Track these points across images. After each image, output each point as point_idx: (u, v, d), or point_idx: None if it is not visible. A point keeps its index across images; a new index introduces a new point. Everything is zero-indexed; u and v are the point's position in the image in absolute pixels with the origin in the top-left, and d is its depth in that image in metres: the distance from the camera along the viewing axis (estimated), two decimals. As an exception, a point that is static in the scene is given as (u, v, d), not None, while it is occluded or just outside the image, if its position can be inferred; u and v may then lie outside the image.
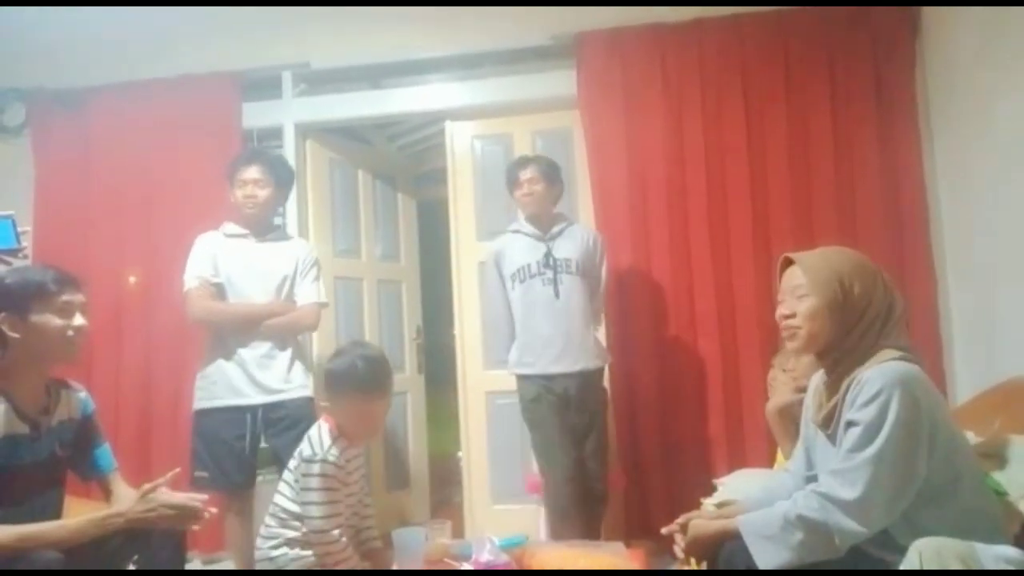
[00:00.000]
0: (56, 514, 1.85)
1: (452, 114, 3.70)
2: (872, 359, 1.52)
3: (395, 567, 2.07)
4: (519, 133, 3.65)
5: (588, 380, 2.89)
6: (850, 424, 1.49)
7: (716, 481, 2.44)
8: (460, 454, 3.72)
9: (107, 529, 1.72)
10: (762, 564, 1.48)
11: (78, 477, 1.98)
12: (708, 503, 2.22)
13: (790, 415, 2.24)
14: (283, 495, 2.00)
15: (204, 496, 1.90)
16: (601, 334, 3.15)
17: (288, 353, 2.80)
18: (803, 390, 2.16)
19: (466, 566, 2.05)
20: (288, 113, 3.70)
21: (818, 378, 1.71)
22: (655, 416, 3.24)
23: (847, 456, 1.47)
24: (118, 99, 3.64)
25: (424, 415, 4.28)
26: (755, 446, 3.03)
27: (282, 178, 2.90)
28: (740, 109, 3.24)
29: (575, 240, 2.96)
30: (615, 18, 3.36)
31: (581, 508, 2.82)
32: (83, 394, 1.98)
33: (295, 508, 1.97)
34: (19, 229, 2.01)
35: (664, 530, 1.76)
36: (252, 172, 2.82)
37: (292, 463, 2.01)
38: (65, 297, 1.81)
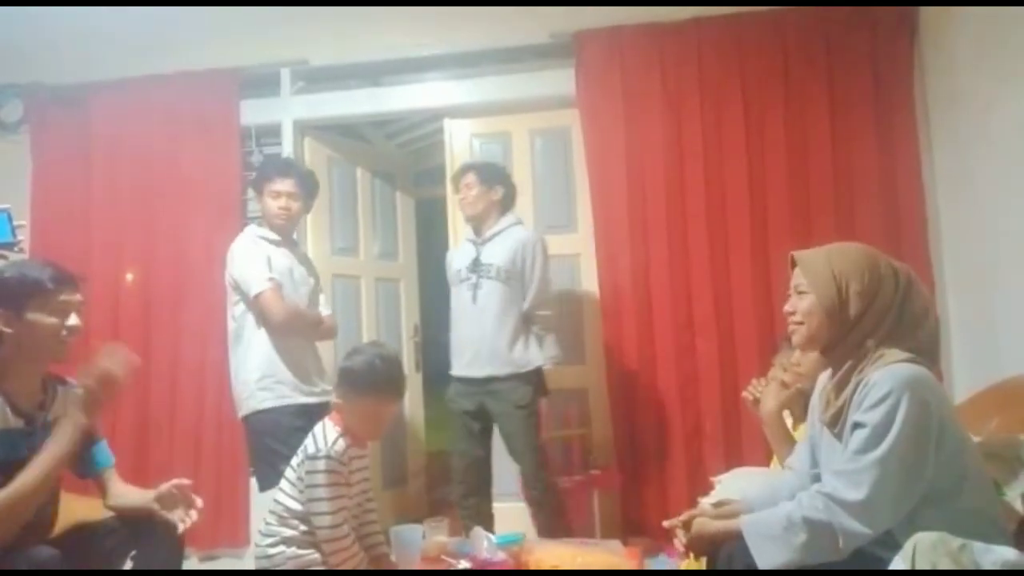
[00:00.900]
0: (51, 509, 1.85)
1: (451, 112, 3.70)
2: (880, 360, 1.51)
3: (393, 565, 2.07)
4: (518, 132, 3.65)
5: (498, 386, 2.87)
6: (857, 425, 1.48)
7: (713, 479, 2.44)
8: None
9: (71, 438, 1.73)
10: (763, 565, 1.47)
11: (74, 473, 1.97)
12: (705, 502, 2.22)
13: (781, 416, 2.24)
14: (285, 493, 1.99)
15: (187, 481, 1.88)
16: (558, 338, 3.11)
17: (320, 357, 2.87)
18: (788, 387, 2.17)
19: (463, 564, 2.05)
20: (287, 110, 3.70)
21: (825, 377, 1.71)
22: (652, 415, 3.24)
23: (853, 457, 1.46)
24: (116, 95, 3.64)
25: (422, 413, 4.28)
26: (752, 445, 3.03)
27: (311, 191, 2.93)
28: (739, 108, 3.24)
29: (506, 244, 2.94)
30: (614, 17, 3.36)
31: (479, 503, 2.98)
32: (80, 390, 1.97)
33: (297, 506, 1.96)
34: (15, 223, 2.00)
35: (666, 523, 1.75)
36: (287, 185, 2.81)
37: (295, 461, 2.01)
38: (62, 296, 1.81)
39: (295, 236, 2.98)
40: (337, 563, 1.91)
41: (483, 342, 2.89)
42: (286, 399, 2.68)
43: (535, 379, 2.93)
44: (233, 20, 3.50)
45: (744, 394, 2.30)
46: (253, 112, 3.67)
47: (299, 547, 1.95)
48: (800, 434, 2.19)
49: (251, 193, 3.63)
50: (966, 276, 2.97)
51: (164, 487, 1.87)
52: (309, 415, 2.61)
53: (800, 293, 1.62)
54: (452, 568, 2.07)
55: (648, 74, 3.31)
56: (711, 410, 3.19)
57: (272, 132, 3.72)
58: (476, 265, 2.95)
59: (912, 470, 1.43)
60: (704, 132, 3.26)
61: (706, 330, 3.21)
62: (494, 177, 3.03)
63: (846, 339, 1.56)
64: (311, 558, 1.94)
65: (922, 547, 1.33)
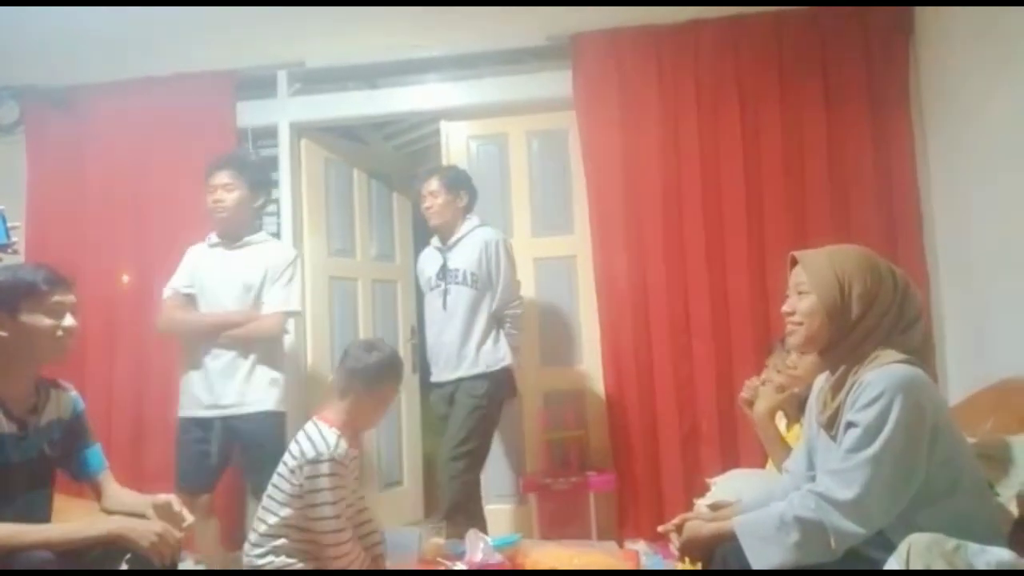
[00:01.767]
0: (45, 514, 1.84)
1: (448, 114, 3.70)
2: (875, 361, 1.51)
3: (389, 566, 2.07)
4: (514, 133, 3.66)
5: (466, 382, 2.90)
6: (850, 425, 1.49)
7: (709, 481, 2.44)
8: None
9: (96, 533, 1.70)
10: (757, 565, 1.48)
11: (69, 476, 1.97)
12: (701, 504, 2.22)
13: (773, 418, 2.24)
14: (277, 501, 1.96)
15: (190, 518, 1.83)
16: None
17: (248, 364, 2.73)
18: (783, 390, 2.17)
19: (460, 565, 2.05)
20: (283, 112, 3.70)
21: (823, 379, 1.72)
22: (649, 417, 3.24)
23: (845, 456, 1.47)
24: (112, 97, 3.64)
25: (418, 415, 4.27)
26: (748, 447, 3.03)
27: (256, 180, 2.86)
28: (735, 110, 3.25)
29: (470, 248, 2.96)
30: (611, 19, 3.36)
31: (469, 511, 2.85)
32: (73, 393, 1.97)
33: (290, 514, 1.94)
34: (9, 224, 1.99)
35: (660, 528, 1.76)
36: (220, 177, 2.81)
37: (285, 469, 1.98)
38: (56, 297, 1.80)
39: (263, 233, 2.93)
40: (341, 565, 1.90)
41: (453, 347, 2.92)
42: (185, 411, 2.77)
43: (499, 377, 2.93)
44: (229, 21, 3.49)
45: (741, 395, 2.30)
46: (250, 114, 3.67)
47: (288, 556, 1.93)
48: (793, 436, 2.19)
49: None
50: (961, 276, 2.97)
51: (161, 497, 1.86)
52: (204, 427, 2.69)
53: (801, 293, 1.61)
54: (448, 569, 2.07)
55: (645, 76, 3.32)
56: (707, 412, 3.19)
57: (269, 134, 3.72)
58: (444, 272, 2.97)
59: (905, 470, 1.44)
60: (701, 133, 3.26)
61: (702, 332, 3.21)
62: (459, 183, 3.03)
63: (845, 341, 1.56)
64: (300, 566, 1.93)
65: (917, 548, 1.33)
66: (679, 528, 1.68)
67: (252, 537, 1.98)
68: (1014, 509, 1.63)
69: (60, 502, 1.93)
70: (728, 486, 2.26)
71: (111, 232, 3.58)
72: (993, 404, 2.19)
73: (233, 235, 2.85)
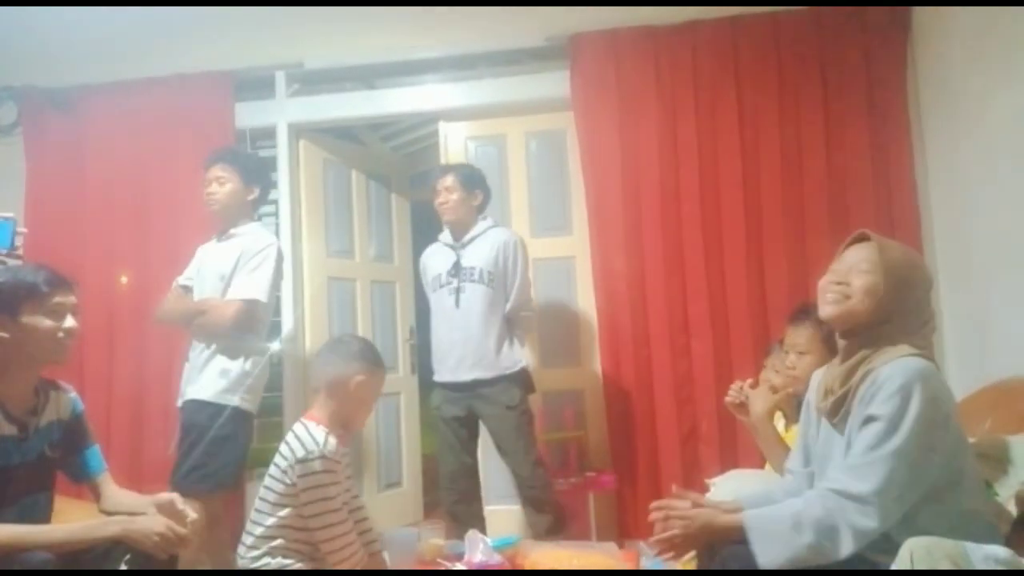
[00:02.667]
0: (46, 515, 1.84)
1: (446, 115, 3.70)
2: (890, 352, 1.51)
3: (388, 567, 2.06)
4: (513, 134, 3.66)
5: (484, 389, 2.87)
6: (869, 419, 1.47)
7: (708, 482, 2.44)
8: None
9: (99, 536, 1.70)
10: (764, 563, 1.45)
11: (68, 478, 1.97)
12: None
13: (770, 420, 2.23)
14: (270, 503, 1.94)
15: (192, 515, 1.82)
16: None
17: (208, 354, 2.69)
18: (777, 390, 2.17)
19: (459, 566, 2.05)
20: (282, 113, 3.70)
21: (820, 373, 1.72)
22: (648, 417, 3.24)
23: (865, 452, 1.45)
24: (111, 98, 3.63)
25: (417, 416, 4.27)
26: (747, 447, 3.03)
27: (250, 172, 2.84)
28: (733, 110, 3.25)
29: (486, 246, 2.93)
30: (609, 19, 3.36)
31: (470, 510, 2.95)
32: (72, 395, 1.96)
33: (285, 514, 1.92)
34: (19, 230, 2.00)
35: (655, 509, 1.66)
36: (214, 171, 2.81)
37: (276, 471, 1.95)
38: (57, 299, 1.80)
39: (249, 221, 2.88)
40: (339, 561, 1.89)
41: (468, 345, 2.88)
42: (179, 398, 2.76)
43: (522, 379, 2.92)
44: (228, 22, 3.50)
45: (727, 399, 2.28)
46: (248, 115, 3.67)
47: (285, 556, 1.92)
48: (792, 437, 2.19)
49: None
50: (960, 275, 2.98)
51: (163, 496, 1.86)
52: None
53: (862, 271, 1.57)
54: (448, 570, 2.07)
55: (643, 76, 3.32)
56: (706, 412, 3.19)
57: (267, 135, 3.72)
58: (457, 269, 2.93)
59: (921, 463, 1.43)
60: (699, 134, 3.27)
61: (701, 332, 3.22)
62: (474, 182, 3.01)
63: (877, 328, 1.55)
64: (298, 567, 1.93)
65: (918, 552, 1.33)
66: (695, 503, 1.61)
67: (247, 540, 1.97)
68: (1013, 508, 1.64)
69: (59, 504, 1.93)
70: (726, 486, 2.26)
71: (110, 233, 3.58)
72: (992, 403, 2.19)
73: (224, 227, 2.84)
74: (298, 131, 3.74)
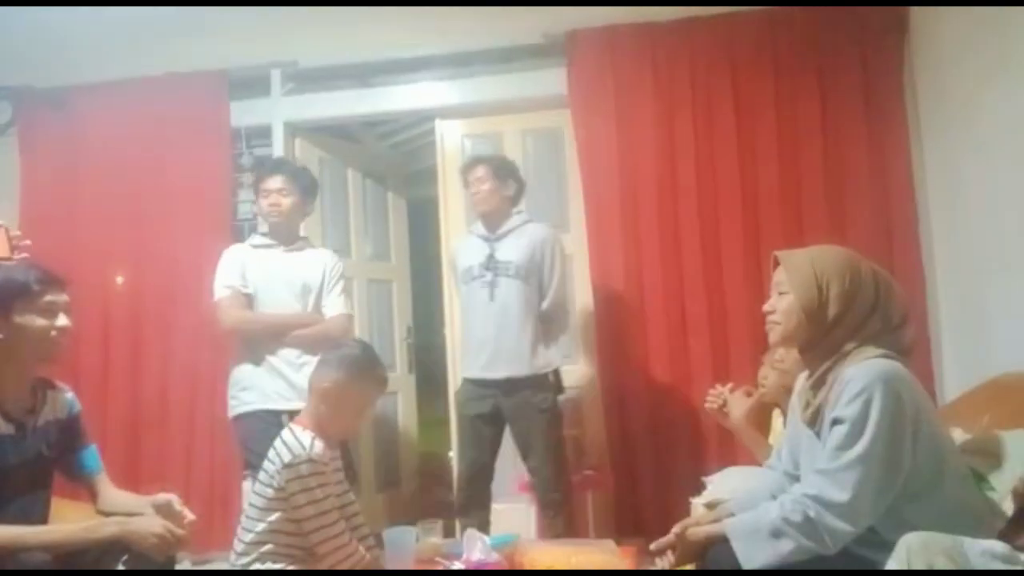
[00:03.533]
0: (43, 515, 1.83)
1: (442, 113, 3.69)
2: (855, 356, 1.53)
3: (386, 567, 2.06)
4: (509, 132, 3.65)
5: (517, 388, 2.80)
6: (836, 422, 1.50)
7: (705, 479, 2.45)
8: (451, 454, 3.71)
9: (97, 536, 1.70)
10: (748, 567, 1.48)
11: (65, 478, 1.96)
12: (697, 502, 2.22)
13: (754, 422, 2.25)
14: (259, 508, 1.92)
15: (190, 516, 1.84)
16: (584, 337, 3.13)
17: (304, 359, 2.72)
18: (751, 394, 2.19)
19: (457, 565, 2.05)
20: (277, 112, 3.69)
21: (804, 377, 1.72)
22: (645, 415, 3.24)
23: (834, 454, 1.48)
24: (105, 97, 3.62)
25: (415, 415, 4.27)
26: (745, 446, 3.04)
27: (306, 187, 2.91)
28: (730, 108, 3.25)
29: (522, 241, 2.86)
30: (606, 17, 3.36)
31: (482, 510, 2.88)
32: (69, 394, 1.96)
33: (276, 518, 1.91)
34: (14, 239, 1.99)
35: (654, 546, 1.71)
36: (276, 182, 2.83)
37: (265, 476, 1.93)
38: (48, 297, 1.80)
39: (301, 234, 2.95)
40: (336, 562, 1.89)
41: (501, 342, 2.79)
42: (250, 405, 2.70)
43: (554, 381, 2.87)
44: (222, 21, 3.48)
45: (707, 404, 2.30)
46: (243, 113, 3.66)
47: (275, 560, 1.91)
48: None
49: (241, 195, 3.65)
50: (957, 273, 2.98)
51: (161, 496, 1.85)
52: (280, 423, 2.60)
53: (781, 293, 1.63)
54: (446, 569, 2.07)
55: (640, 74, 3.32)
56: (704, 409, 3.18)
57: (262, 133, 3.71)
58: (492, 262, 2.85)
59: (891, 463, 1.45)
60: (696, 131, 3.27)
61: (699, 329, 3.21)
62: (506, 171, 2.93)
63: (824, 340, 1.58)
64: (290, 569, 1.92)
65: (915, 548, 1.33)
66: (679, 537, 1.65)
67: (238, 546, 1.95)
68: (1009, 503, 1.64)
69: (56, 504, 1.92)
70: (724, 484, 2.27)
71: (105, 232, 3.57)
72: (989, 400, 2.19)
73: (286, 237, 2.87)
74: (294, 130, 3.73)
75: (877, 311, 1.56)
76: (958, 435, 1.88)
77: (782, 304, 1.62)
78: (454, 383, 3.61)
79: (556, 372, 2.90)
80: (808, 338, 1.60)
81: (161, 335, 3.46)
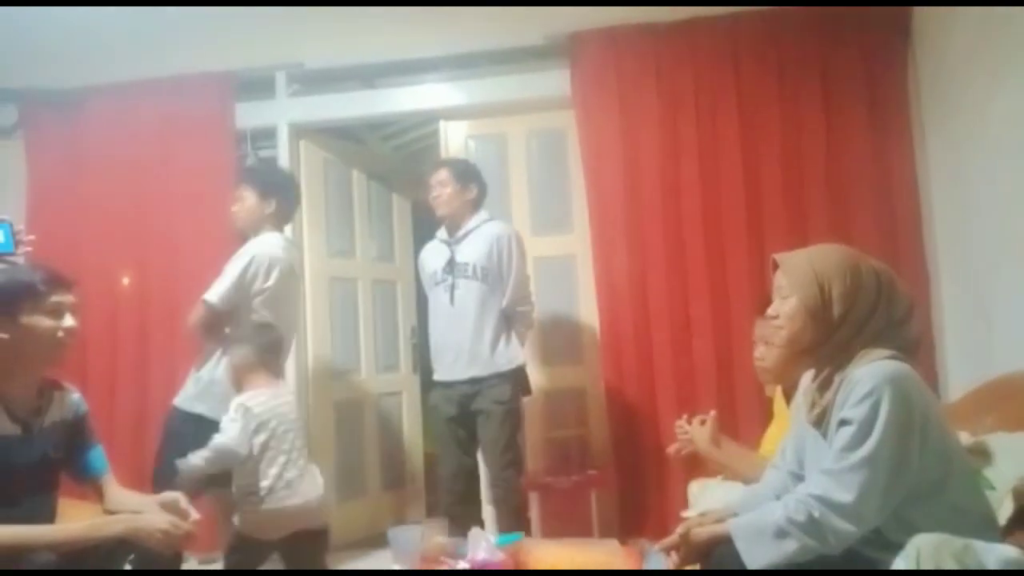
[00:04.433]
0: (50, 516, 1.84)
1: (446, 114, 3.70)
2: (864, 358, 1.52)
3: (392, 566, 2.07)
4: (513, 133, 3.66)
5: (480, 386, 2.84)
6: (843, 423, 1.49)
7: (692, 485, 2.45)
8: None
9: (104, 535, 1.71)
10: (752, 567, 1.48)
11: (71, 479, 1.98)
12: (689, 516, 2.21)
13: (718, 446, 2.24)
14: None
15: (195, 515, 1.86)
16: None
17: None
18: (704, 422, 2.17)
19: (462, 564, 2.05)
20: (282, 113, 3.70)
21: (809, 377, 1.72)
22: (649, 415, 3.24)
23: (840, 455, 1.47)
24: (111, 99, 3.64)
25: (420, 415, 4.27)
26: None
27: (266, 186, 2.87)
28: (734, 109, 3.25)
29: (479, 241, 2.89)
30: (609, 18, 3.36)
31: (468, 511, 2.89)
32: (76, 395, 1.97)
33: None
34: (25, 237, 2.00)
35: (658, 546, 1.70)
36: (237, 191, 2.88)
37: None
38: (55, 298, 1.80)
39: (263, 231, 2.91)
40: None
41: (463, 344, 2.85)
42: None
43: (516, 377, 2.89)
44: (228, 23, 3.50)
45: (669, 451, 2.30)
46: (248, 115, 3.67)
47: None
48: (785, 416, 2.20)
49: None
50: (961, 273, 2.97)
51: (167, 495, 1.86)
52: None
53: (783, 297, 1.62)
54: (451, 569, 2.07)
55: (643, 75, 3.32)
56: (708, 409, 3.17)
57: (267, 135, 3.73)
58: (451, 265, 2.90)
59: (898, 465, 1.44)
60: (699, 132, 3.27)
61: (703, 329, 3.21)
62: (468, 175, 2.97)
63: (829, 341, 1.56)
64: None
65: (926, 550, 1.33)
66: (683, 538, 1.64)
67: None
68: (1010, 503, 1.64)
69: (62, 505, 1.93)
70: (710, 497, 2.24)
71: (111, 233, 3.58)
72: (994, 400, 2.19)
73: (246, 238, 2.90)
74: (298, 131, 3.74)
75: (880, 307, 1.55)
76: (963, 437, 1.87)
77: (785, 308, 1.60)
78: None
79: (521, 369, 2.91)
80: (813, 339, 1.58)
81: (167, 336, 3.47)
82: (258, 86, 3.69)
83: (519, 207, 3.61)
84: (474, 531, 2.14)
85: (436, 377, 2.99)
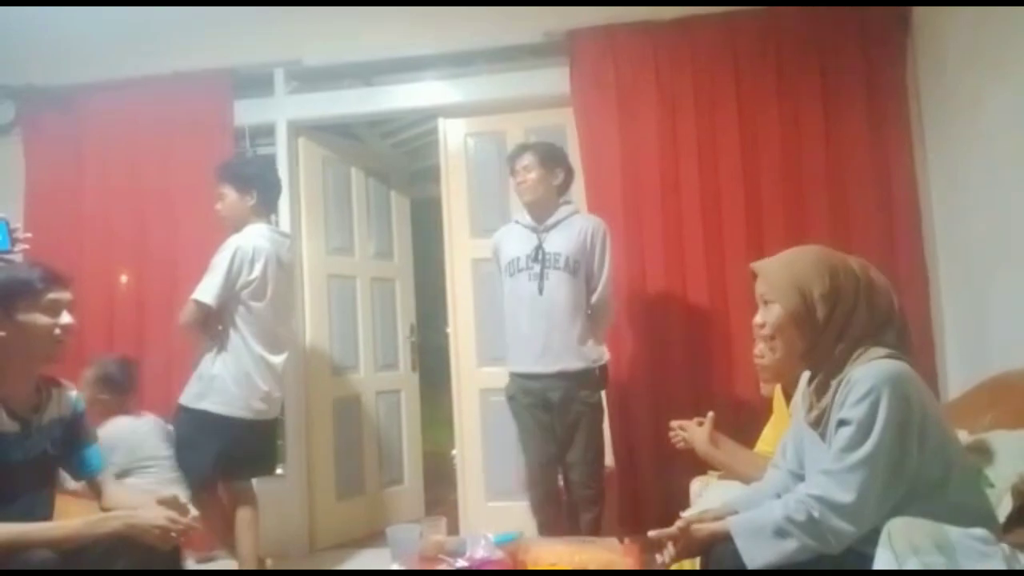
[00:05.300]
0: (47, 513, 1.84)
1: (445, 111, 3.69)
2: (861, 358, 1.51)
3: (391, 565, 2.06)
4: (512, 130, 3.65)
5: (568, 381, 2.77)
6: (842, 423, 1.49)
7: (693, 484, 2.45)
8: (454, 452, 3.72)
9: (101, 531, 1.71)
10: (752, 566, 1.48)
11: (69, 476, 1.98)
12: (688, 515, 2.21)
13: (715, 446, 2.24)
14: None
15: (194, 512, 1.87)
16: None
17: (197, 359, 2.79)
18: (702, 423, 2.17)
19: (461, 563, 2.05)
20: (280, 111, 3.69)
21: (807, 378, 1.72)
22: (649, 411, 3.24)
23: (839, 456, 1.47)
24: (109, 97, 3.63)
25: (418, 413, 4.28)
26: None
27: (241, 179, 2.85)
28: (732, 106, 3.25)
29: (571, 233, 2.80)
30: (607, 16, 3.36)
31: (553, 506, 2.84)
32: (74, 393, 1.97)
33: None
34: (21, 233, 2.00)
35: (653, 534, 1.68)
36: (218, 189, 2.88)
37: None
38: (52, 295, 1.80)
39: (254, 225, 2.92)
40: None
41: (552, 336, 2.74)
42: None
43: (603, 375, 2.84)
44: (226, 20, 3.50)
45: (679, 445, 2.29)
46: (247, 112, 3.67)
47: None
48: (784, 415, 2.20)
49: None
50: (959, 272, 2.98)
51: (168, 494, 1.86)
52: None
53: (766, 303, 1.62)
54: (450, 568, 2.07)
55: (642, 73, 3.32)
56: (707, 406, 3.16)
57: (266, 132, 3.72)
58: (539, 254, 2.79)
59: (897, 465, 1.44)
60: (698, 130, 3.26)
61: (702, 327, 3.21)
62: (555, 159, 2.86)
63: (819, 344, 1.56)
64: None
65: (897, 529, 1.34)
66: (682, 531, 1.63)
67: None
68: (1009, 501, 1.64)
69: (60, 502, 1.93)
70: (714, 494, 2.25)
71: (109, 230, 3.58)
72: (991, 398, 2.19)
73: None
74: (297, 129, 3.74)
75: (860, 304, 1.54)
76: (962, 436, 1.87)
77: (771, 316, 1.60)
78: (457, 382, 3.63)
79: (604, 367, 2.86)
80: (804, 345, 1.58)
81: (164, 333, 3.46)
82: (257, 83, 3.68)
83: (518, 205, 3.59)
84: (473, 530, 2.13)
85: (516, 368, 2.85)
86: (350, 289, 3.96)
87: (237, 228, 2.84)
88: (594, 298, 2.83)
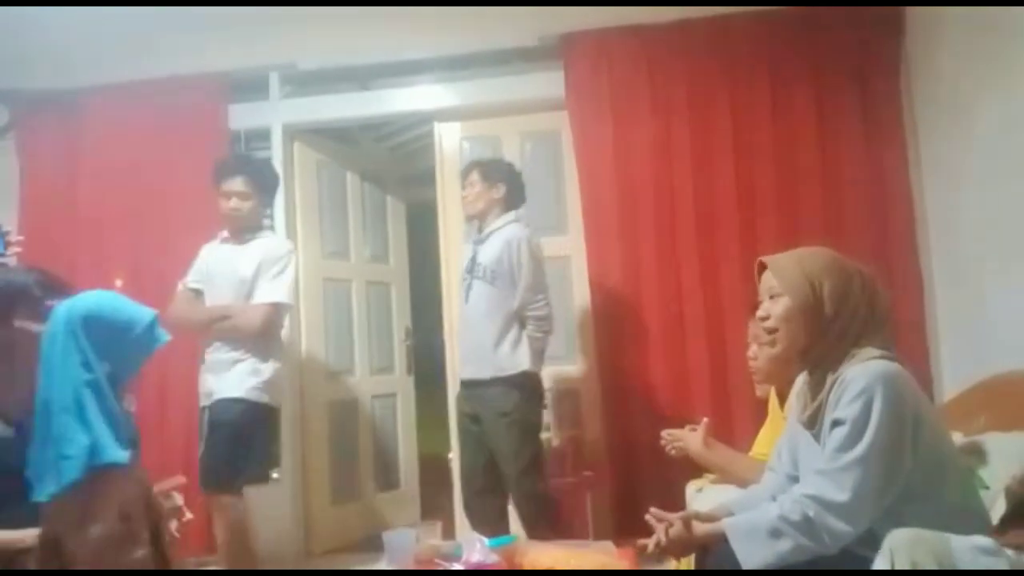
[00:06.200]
0: (43, 518, 1.83)
1: (440, 115, 3.70)
2: (855, 358, 1.53)
3: (386, 568, 2.06)
4: (507, 134, 3.66)
5: (483, 388, 2.81)
6: (836, 423, 1.50)
7: (688, 488, 2.45)
8: (450, 455, 3.71)
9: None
10: (747, 566, 1.48)
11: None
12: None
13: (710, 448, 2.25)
14: None
15: (188, 515, 1.87)
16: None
17: (236, 355, 2.74)
18: (696, 428, 2.18)
19: (456, 566, 2.05)
20: (275, 114, 3.69)
21: (802, 379, 1.72)
22: (644, 415, 3.24)
23: (834, 455, 1.48)
24: (104, 100, 3.62)
25: (413, 417, 4.27)
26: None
27: (267, 184, 2.91)
28: (726, 109, 3.26)
29: (496, 243, 2.85)
30: (601, 19, 3.37)
31: (484, 506, 2.89)
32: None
33: None
34: (7, 234, 1.99)
35: (654, 511, 1.71)
36: (237, 184, 2.83)
37: None
38: (49, 302, 1.80)
39: (264, 228, 2.99)
40: None
41: (469, 343, 2.89)
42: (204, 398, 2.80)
43: (522, 383, 2.79)
44: (221, 24, 3.49)
45: (673, 453, 2.30)
46: (242, 116, 3.67)
47: None
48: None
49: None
50: (953, 273, 2.99)
51: (167, 483, 1.86)
52: (201, 419, 2.76)
53: (773, 297, 1.62)
54: (445, 571, 2.07)
55: (636, 76, 3.33)
56: (702, 410, 3.19)
57: (261, 136, 3.72)
58: (472, 265, 2.90)
59: (891, 464, 1.45)
60: (692, 133, 3.28)
61: (696, 330, 3.22)
62: (497, 174, 2.94)
63: (822, 341, 1.57)
64: None
65: (900, 545, 1.34)
66: (684, 521, 1.63)
67: None
68: (1003, 502, 1.65)
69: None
70: (709, 497, 2.25)
71: (105, 234, 3.57)
72: (985, 400, 2.20)
73: (242, 233, 2.87)
74: (292, 133, 3.74)
75: (864, 305, 1.56)
76: (956, 437, 1.88)
77: (777, 308, 1.60)
78: (452, 385, 3.62)
79: (531, 375, 2.82)
80: (808, 339, 1.59)
81: (172, 328, 3.45)
82: (252, 87, 3.68)
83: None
84: (468, 534, 2.14)
85: (459, 376, 3.02)
86: (345, 293, 3.95)
87: (249, 229, 2.86)
88: (515, 304, 2.81)
